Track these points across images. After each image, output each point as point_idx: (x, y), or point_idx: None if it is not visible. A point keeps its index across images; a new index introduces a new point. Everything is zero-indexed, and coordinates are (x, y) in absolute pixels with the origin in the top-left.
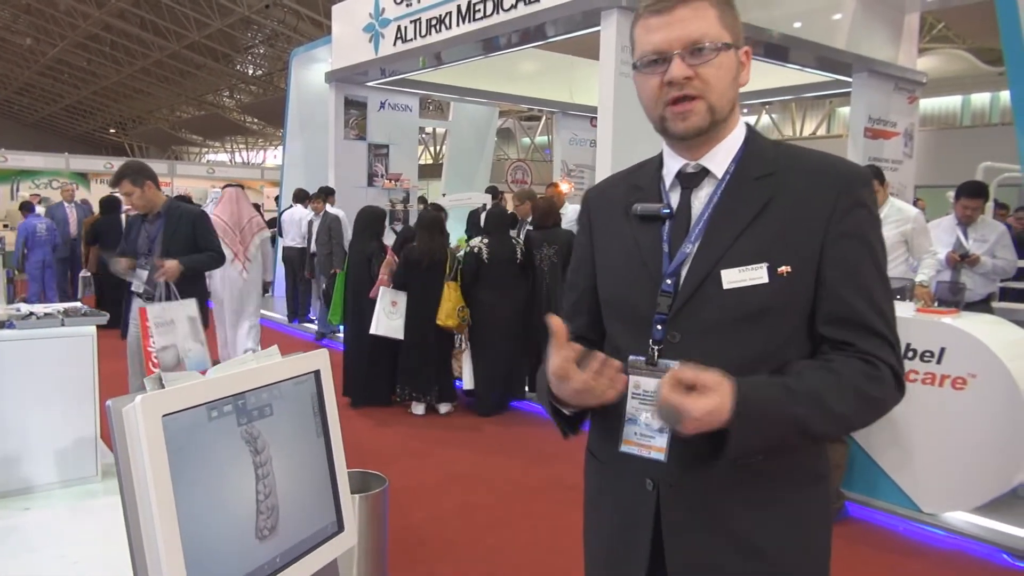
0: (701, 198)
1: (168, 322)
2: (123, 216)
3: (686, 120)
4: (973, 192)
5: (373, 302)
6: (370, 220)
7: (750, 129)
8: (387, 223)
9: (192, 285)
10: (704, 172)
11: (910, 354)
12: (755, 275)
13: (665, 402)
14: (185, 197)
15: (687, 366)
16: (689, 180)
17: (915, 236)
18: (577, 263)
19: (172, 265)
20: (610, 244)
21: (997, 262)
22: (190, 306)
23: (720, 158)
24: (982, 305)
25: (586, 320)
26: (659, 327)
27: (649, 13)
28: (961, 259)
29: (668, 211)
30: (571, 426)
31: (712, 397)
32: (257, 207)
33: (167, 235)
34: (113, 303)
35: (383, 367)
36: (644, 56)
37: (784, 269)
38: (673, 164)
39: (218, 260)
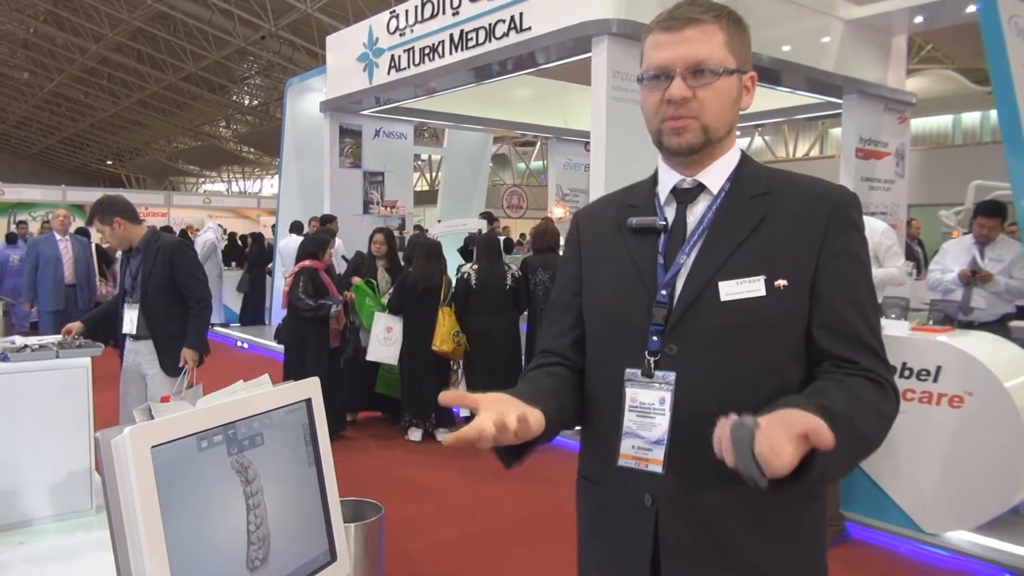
0: (696, 212)
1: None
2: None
3: (680, 136)
4: (990, 211)
5: (301, 320)
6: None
7: (743, 152)
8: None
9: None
10: (699, 188)
11: (906, 373)
12: (753, 287)
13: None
14: (168, 229)
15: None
16: (684, 195)
17: (880, 250)
18: (564, 282)
19: (190, 356)
20: (603, 260)
21: (1011, 282)
22: (198, 391)
23: (716, 175)
24: (998, 325)
25: (570, 340)
26: (655, 338)
27: (660, 29)
28: (973, 275)
29: (664, 222)
30: (514, 456)
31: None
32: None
33: (144, 273)
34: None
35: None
36: (648, 70)
37: (781, 283)
38: (668, 180)
39: (206, 308)
